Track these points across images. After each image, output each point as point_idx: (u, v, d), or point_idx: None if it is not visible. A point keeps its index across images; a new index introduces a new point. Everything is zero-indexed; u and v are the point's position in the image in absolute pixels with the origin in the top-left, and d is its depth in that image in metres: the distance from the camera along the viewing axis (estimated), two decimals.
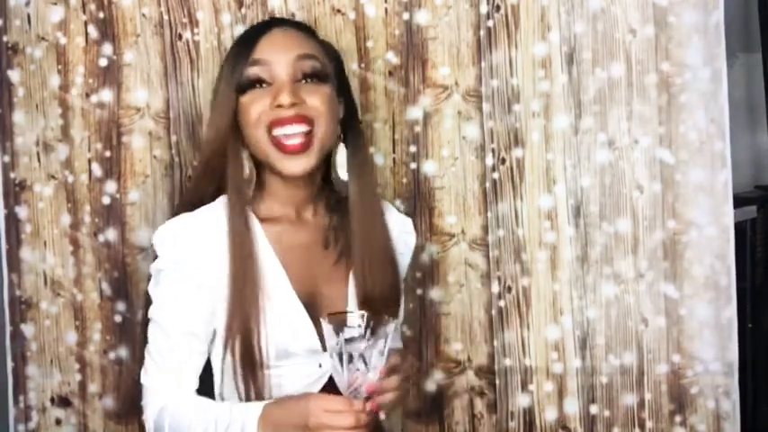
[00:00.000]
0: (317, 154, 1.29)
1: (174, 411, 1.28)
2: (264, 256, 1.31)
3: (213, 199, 1.34)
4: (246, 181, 1.32)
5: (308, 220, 1.37)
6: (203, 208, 1.33)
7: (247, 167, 1.32)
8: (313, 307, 1.31)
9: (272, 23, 1.38)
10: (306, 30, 1.39)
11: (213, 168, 1.33)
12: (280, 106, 1.27)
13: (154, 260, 1.33)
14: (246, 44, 1.32)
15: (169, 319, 1.30)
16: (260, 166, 1.33)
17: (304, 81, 1.30)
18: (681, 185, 1.56)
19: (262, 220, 1.34)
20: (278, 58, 1.30)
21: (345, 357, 1.12)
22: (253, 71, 1.30)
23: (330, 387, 1.25)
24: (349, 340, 1.13)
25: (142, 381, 1.33)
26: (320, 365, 1.30)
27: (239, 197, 1.30)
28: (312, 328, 1.30)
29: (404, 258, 1.46)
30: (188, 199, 1.38)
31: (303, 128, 1.28)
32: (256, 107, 1.29)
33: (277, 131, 1.28)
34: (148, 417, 1.31)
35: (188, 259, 1.29)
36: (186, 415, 1.27)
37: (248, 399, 1.29)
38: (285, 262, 1.32)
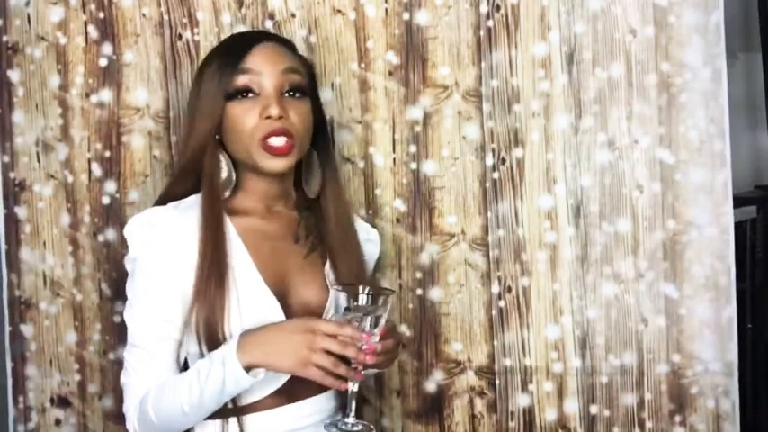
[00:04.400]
0: (295, 157, 1.39)
1: (154, 393, 1.32)
2: (234, 248, 1.37)
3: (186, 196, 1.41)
4: (225, 180, 1.40)
5: (279, 215, 1.45)
6: (174, 203, 1.40)
7: (225, 170, 1.40)
8: (283, 295, 1.37)
9: (261, 36, 1.45)
10: (289, 45, 1.46)
11: (192, 169, 1.41)
12: (269, 117, 1.35)
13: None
14: (236, 53, 1.39)
15: (144, 306, 1.35)
16: (235, 164, 1.41)
17: (287, 95, 1.38)
18: (681, 185, 1.56)
19: (233, 213, 1.40)
20: (267, 70, 1.38)
21: (355, 320, 1.27)
22: (242, 80, 1.37)
23: (294, 378, 1.32)
24: (353, 308, 1.28)
25: (122, 381, 1.37)
26: None
27: (213, 194, 1.38)
28: (281, 314, 1.35)
29: (368, 266, 1.54)
30: (164, 198, 1.43)
31: (288, 138, 1.36)
32: (248, 117, 1.37)
33: (269, 141, 1.36)
34: (128, 408, 1.35)
35: (159, 247, 1.35)
36: (166, 388, 1.31)
37: None
38: (254, 253, 1.38)
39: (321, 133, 1.47)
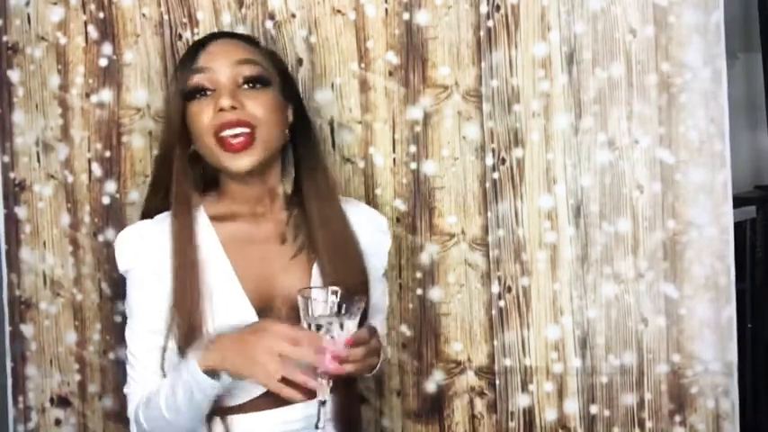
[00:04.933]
0: (259, 153, 1.34)
1: (144, 402, 1.32)
2: (212, 255, 1.35)
3: (168, 208, 1.39)
4: (195, 185, 1.38)
5: (265, 216, 1.41)
6: (161, 215, 1.38)
7: (191, 175, 1.37)
8: (269, 300, 1.35)
9: (213, 36, 1.43)
10: (246, 39, 1.44)
11: (162, 179, 1.39)
12: (221, 110, 1.32)
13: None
14: (190, 55, 1.38)
15: (137, 319, 1.35)
16: (215, 169, 1.38)
17: (246, 86, 1.35)
18: (681, 185, 1.56)
19: (215, 219, 1.38)
20: (217, 65, 1.35)
21: (314, 327, 1.21)
22: (195, 79, 1.35)
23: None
24: (322, 313, 1.22)
25: (124, 392, 1.37)
26: None
27: (183, 201, 1.36)
28: (255, 317, 1.33)
29: (378, 259, 1.47)
30: (145, 211, 1.43)
31: (244, 129, 1.32)
32: (203, 115, 1.34)
33: (223, 133, 1.32)
34: (130, 418, 1.35)
35: (147, 260, 1.34)
36: (152, 397, 1.31)
37: None
38: (237, 260, 1.36)
39: (301, 128, 1.43)
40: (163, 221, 1.37)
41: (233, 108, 1.31)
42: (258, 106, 1.33)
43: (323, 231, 1.39)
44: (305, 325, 1.22)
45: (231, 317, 1.32)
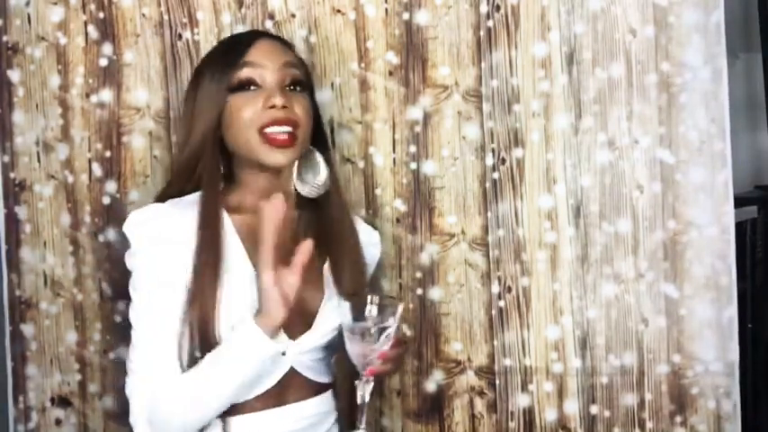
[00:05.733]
0: (297, 151, 1.39)
1: (164, 395, 1.29)
2: (230, 245, 1.37)
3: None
4: (219, 176, 1.41)
5: None
6: (174, 200, 1.39)
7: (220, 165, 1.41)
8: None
9: (261, 33, 1.48)
10: (286, 43, 1.49)
11: (191, 168, 1.41)
12: (273, 107, 1.36)
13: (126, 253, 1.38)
14: (237, 48, 1.41)
15: (148, 299, 1.33)
16: (232, 160, 1.41)
17: (289, 88, 1.40)
18: (681, 185, 1.56)
19: (231, 210, 1.41)
20: (268, 63, 1.39)
21: (358, 333, 1.29)
22: (245, 72, 1.38)
23: (290, 377, 1.35)
24: (363, 318, 1.30)
25: (127, 392, 1.34)
26: (283, 353, 1.33)
27: (214, 191, 1.39)
28: None
29: (368, 269, 1.53)
30: (162, 197, 1.42)
31: (290, 128, 1.37)
32: (248, 109, 1.37)
33: (269, 129, 1.36)
34: (136, 418, 1.32)
35: (157, 242, 1.34)
36: (176, 390, 1.29)
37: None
38: (251, 249, 1.36)
39: (319, 133, 1.47)
40: (175, 206, 1.37)
41: (284, 107, 1.36)
42: (300, 108, 1.39)
43: (339, 234, 1.45)
44: (348, 332, 1.29)
45: (247, 305, 1.31)
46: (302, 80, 1.42)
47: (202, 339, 1.31)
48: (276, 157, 1.36)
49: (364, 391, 1.29)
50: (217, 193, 1.39)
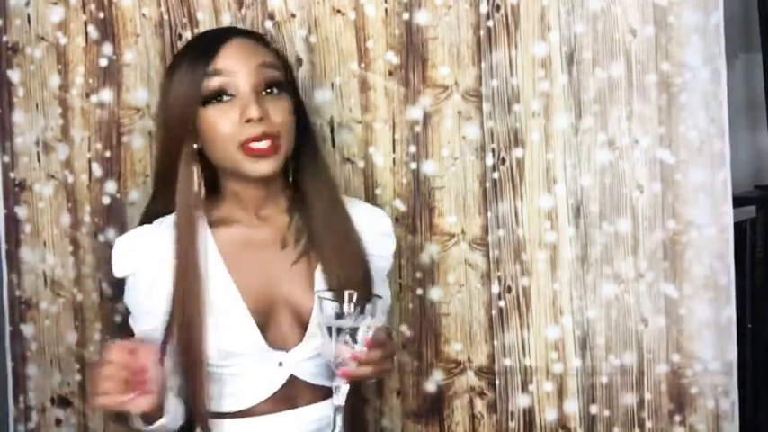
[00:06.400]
0: (280, 159, 1.32)
1: None
2: (212, 265, 1.33)
3: (169, 211, 1.36)
4: (197, 191, 1.33)
5: (266, 221, 1.39)
6: (159, 220, 1.36)
7: (196, 183, 1.33)
8: (267, 307, 1.33)
9: (228, 33, 1.38)
10: (258, 38, 1.40)
11: (168, 182, 1.35)
12: (249, 120, 1.29)
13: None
14: (204, 54, 1.32)
15: (135, 326, 1.35)
16: (214, 172, 1.36)
17: (265, 92, 1.32)
18: (681, 185, 1.56)
19: (214, 224, 1.36)
20: (241, 69, 1.30)
21: (334, 331, 1.20)
22: (215, 82, 1.30)
23: (294, 383, 1.32)
24: (338, 315, 1.21)
25: None
26: (280, 364, 1.31)
27: (188, 210, 1.33)
28: (255, 329, 1.30)
29: (382, 262, 1.45)
30: (146, 216, 1.41)
31: (270, 141, 1.30)
32: (224, 123, 1.30)
33: (249, 144, 1.29)
34: None
35: (144, 267, 1.33)
36: None
37: (189, 392, 1.30)
38: (235, 267, 1.33)
39: (301, 125, 1.38)
40: (160, 225, 1.36)
41: (260, 119, 1.28)
42: (279, 113, 1.31)
43: (325, 230, 1.36)
44: (323, 329, 1.21)
45: (230, 326, 1.30)
46: (280, 80, 1.33)
47: (188, 363, 1.28)
48: (260, 168, 1.30)
49: (338, 394, 1.21)
50: (191, 215, 1.32)
